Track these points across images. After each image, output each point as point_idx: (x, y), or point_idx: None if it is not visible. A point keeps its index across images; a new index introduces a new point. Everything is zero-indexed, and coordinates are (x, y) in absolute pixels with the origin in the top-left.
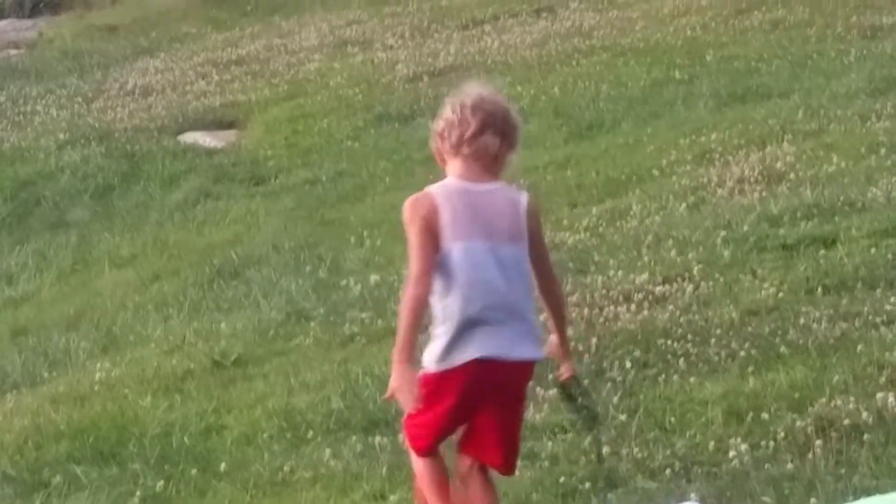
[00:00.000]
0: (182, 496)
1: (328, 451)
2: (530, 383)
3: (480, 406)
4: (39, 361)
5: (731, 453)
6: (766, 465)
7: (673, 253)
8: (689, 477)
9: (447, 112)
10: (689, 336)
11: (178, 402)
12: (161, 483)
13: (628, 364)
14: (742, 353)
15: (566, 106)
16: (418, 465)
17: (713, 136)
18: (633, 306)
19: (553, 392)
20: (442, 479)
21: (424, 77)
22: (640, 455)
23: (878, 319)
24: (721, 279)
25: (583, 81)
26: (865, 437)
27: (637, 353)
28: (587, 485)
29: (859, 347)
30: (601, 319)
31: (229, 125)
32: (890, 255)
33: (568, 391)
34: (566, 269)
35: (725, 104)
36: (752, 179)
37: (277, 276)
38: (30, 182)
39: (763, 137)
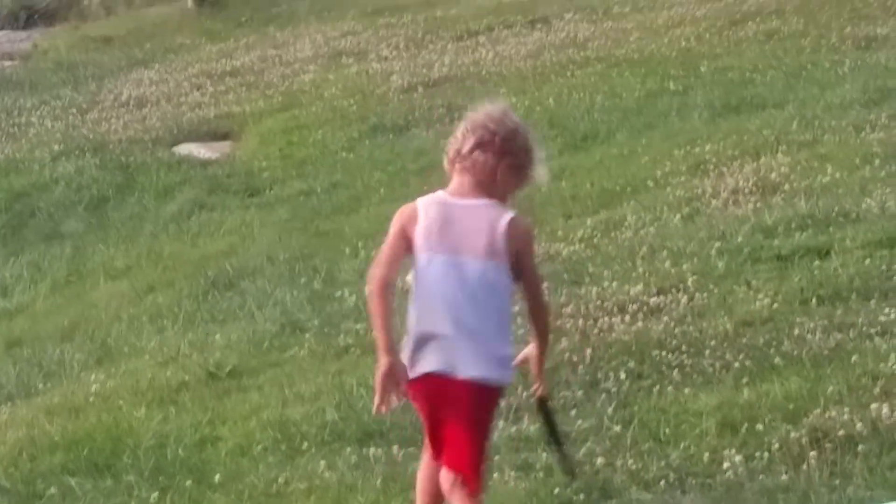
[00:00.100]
0: None
1: (323, 462)
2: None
3: (443, 418)
4: (34, 373)
5: (726, 464)
6: (761, 477)
7: (667, 264)
8: (684, 488)
9: (457, 128)
10: (684, 347)
11: (173, 413)
12: (155, 494)
13: (623, 375)
14: (736, 364)
15: (561, 117)
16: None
17: (707, 147)
18: (627, 317)
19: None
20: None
21: (419, 88)
22: (634, 466)
23: (872, 330)
24: (715, 290)
25: (577, 92)
26: (860, 448)
27: (631, 364)
28: (581, 496)
29: (854, 358)
30: (596, 330)
31: (224, 136)
32: (884, 266)
33: (543, 410)
34: (561, 280)
35: (720, 115)
36: (746, 190)
37: (272, 287)
38: (24, 193)
39: (757, 148)
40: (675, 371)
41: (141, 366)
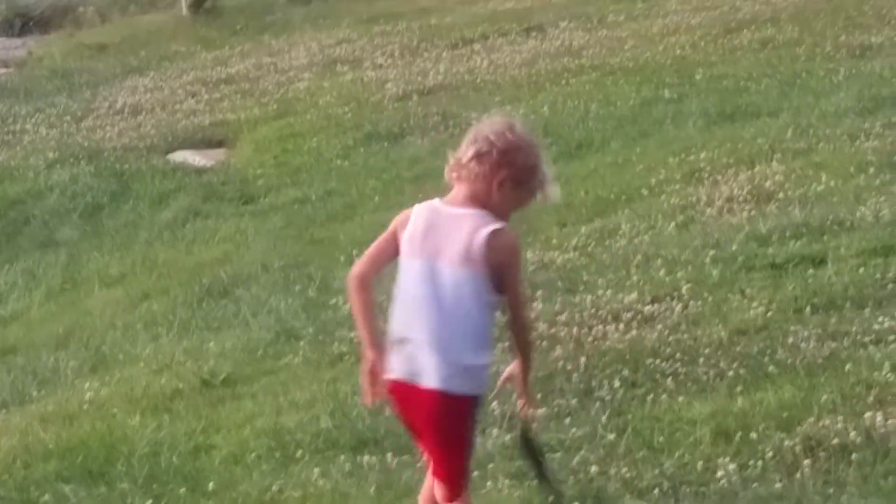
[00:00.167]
0: None
1: (317, 470)
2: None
3: (417, 426)
4: (28, 380)
5: (720, 473)
6: (755, 485)
7: (662, 272)
8: (678, 497)
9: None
10: (678, 355)
11: (167, 421)
12: (149, 502)
13: (617, 383)
14: (730, 373)
15: (555, 125)
16: None
17: (702, 155)
18: (621, 325)
19: (541, 412)
20: (425, 493)
21: (414, 96)
22: (628, 475)
23: (866, 339)
24: (710, 298)
25: (572, 100)
26: (854, 456)
27: (626, 373)
28: None
29: (848, 367)
30: (590, 339)
31: (219, 144)
32: (878, 275)
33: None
34: (555, 289)
35: (714, 123)
36: (740, 198)
37: (266, 295)
38: (19, 201)
39: (752, 156)
40: (670, 379)
41: (135, 373)
